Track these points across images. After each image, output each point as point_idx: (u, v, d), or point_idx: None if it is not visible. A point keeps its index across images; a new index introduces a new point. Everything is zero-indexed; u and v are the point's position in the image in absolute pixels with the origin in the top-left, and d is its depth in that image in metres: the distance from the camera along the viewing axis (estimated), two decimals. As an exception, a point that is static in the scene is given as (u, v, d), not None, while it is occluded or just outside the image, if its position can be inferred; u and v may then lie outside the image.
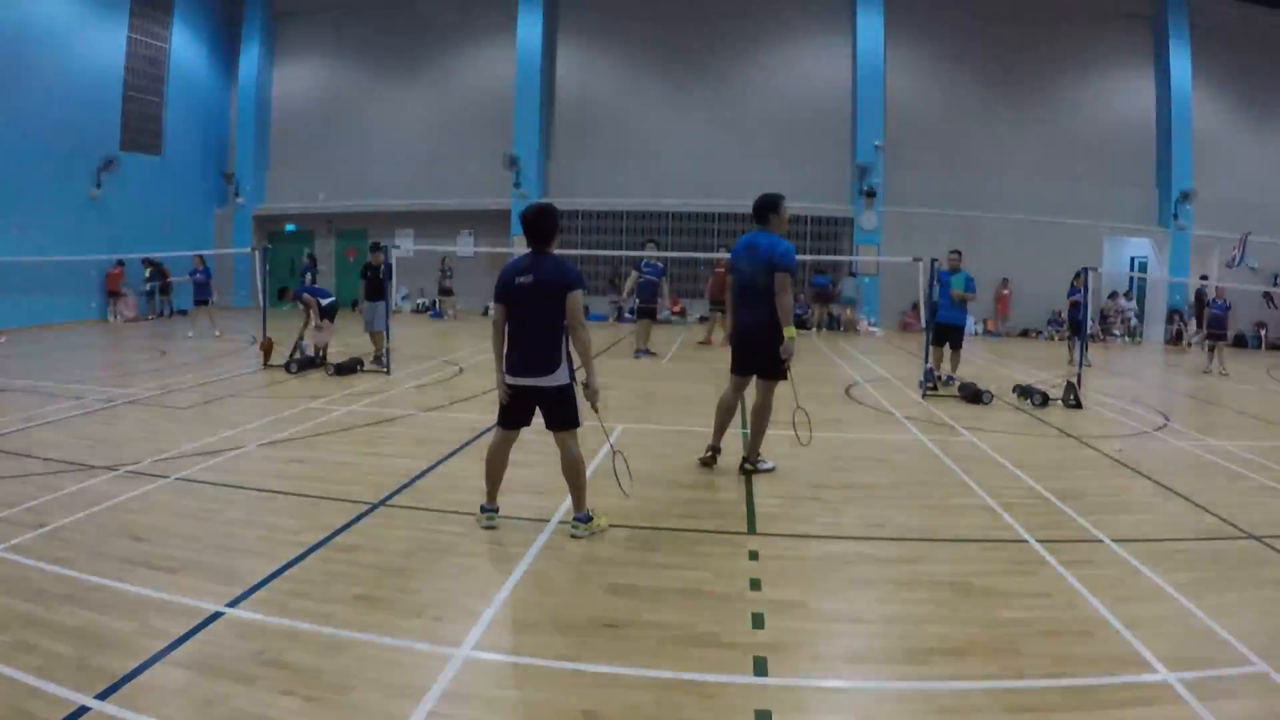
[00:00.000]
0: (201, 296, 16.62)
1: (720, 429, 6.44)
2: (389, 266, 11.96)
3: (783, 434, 7.41)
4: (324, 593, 3.94)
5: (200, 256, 17.18)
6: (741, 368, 6.31)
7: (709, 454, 6.44)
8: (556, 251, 4.83)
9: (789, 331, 5.90)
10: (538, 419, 4.86)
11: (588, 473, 5.00)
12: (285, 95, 24.65)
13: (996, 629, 3.73)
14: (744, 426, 7.30)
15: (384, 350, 11.36)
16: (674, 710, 3.02)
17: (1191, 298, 21.37)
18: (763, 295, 5.95)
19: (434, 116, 23.44)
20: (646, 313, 14.17)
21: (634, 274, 14.48)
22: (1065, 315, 18.02)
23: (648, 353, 13.85)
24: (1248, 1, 21.40)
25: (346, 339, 13.81)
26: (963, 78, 22.05)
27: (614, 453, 5.26)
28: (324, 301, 11.70)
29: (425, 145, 23.26)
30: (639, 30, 22.70)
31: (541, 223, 4.70)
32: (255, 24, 24.08)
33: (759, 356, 6.13)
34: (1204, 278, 19.79)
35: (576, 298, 4.61)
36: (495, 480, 4.94)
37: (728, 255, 6.79)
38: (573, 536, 4.79)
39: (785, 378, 6.13)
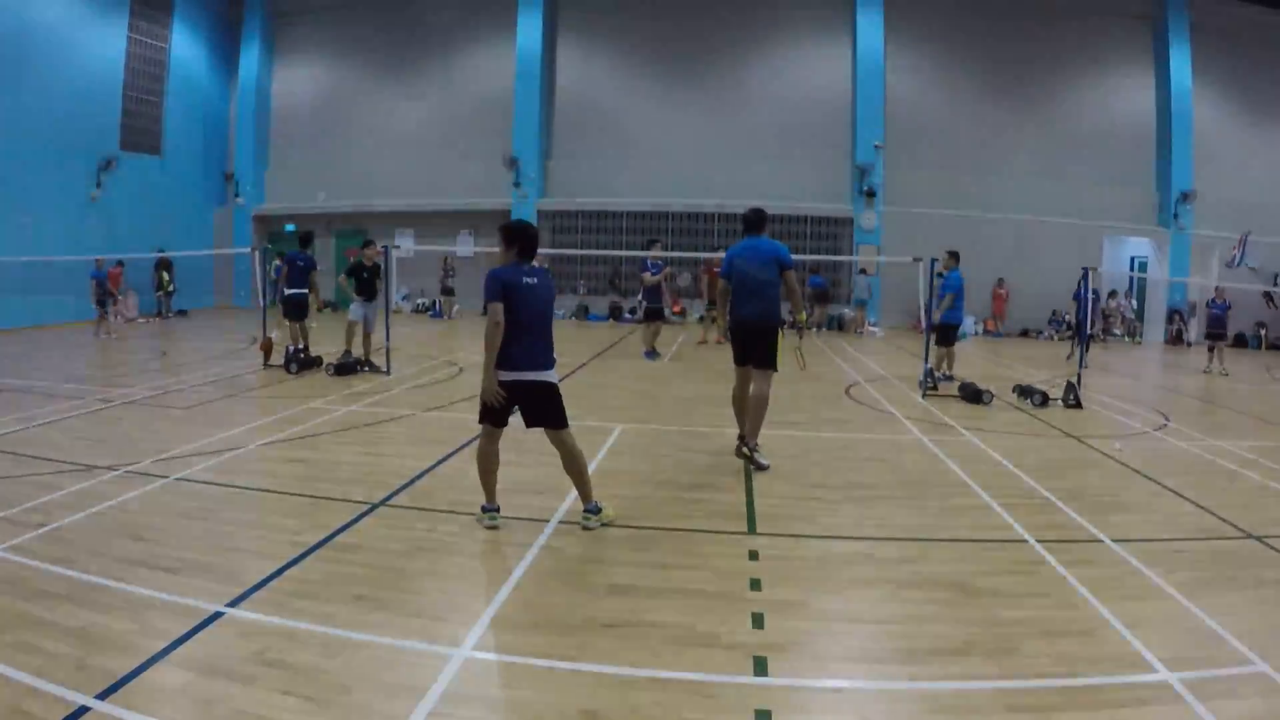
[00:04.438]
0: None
1: (742, 419, 6.80)
2: (378, 266, 11.39)
3: (783, 434, 7.42)
4: (324, 593, 3.94)
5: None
6: (745, 358, 6.72)
7: (740, 444, 6.73)
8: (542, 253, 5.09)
9: (801, 316, 7.02)
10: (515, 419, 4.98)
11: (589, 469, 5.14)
12: (285, 95, 24.62)
13: (996, 629, 3.73)
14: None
15: (368, 353, 11.45)
16: (674, 710, 3.02)
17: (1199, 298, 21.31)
18: (767, 290, 6.56)
19: (434, 116, 23.42)
20: (654, 313, 14.02)
21: (646, 274, 13.97)
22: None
23: (654, 354, 13.75)
24: (1248, 1, 21.38)
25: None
26: (963, 78, 22.01)
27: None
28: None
29: (425, 145, 23.22)
30: (639, 30, 22.69)
31: (536, 236, 5.18)
32: (255, 24, 24.05)
33: (759, 346, 6.58)
34: None
35: None
36: (492, 479, 4.99)
37: (716, 256, 7.48)
38: (584, 528, 4.90)
39: (777, 369, 6.64)
